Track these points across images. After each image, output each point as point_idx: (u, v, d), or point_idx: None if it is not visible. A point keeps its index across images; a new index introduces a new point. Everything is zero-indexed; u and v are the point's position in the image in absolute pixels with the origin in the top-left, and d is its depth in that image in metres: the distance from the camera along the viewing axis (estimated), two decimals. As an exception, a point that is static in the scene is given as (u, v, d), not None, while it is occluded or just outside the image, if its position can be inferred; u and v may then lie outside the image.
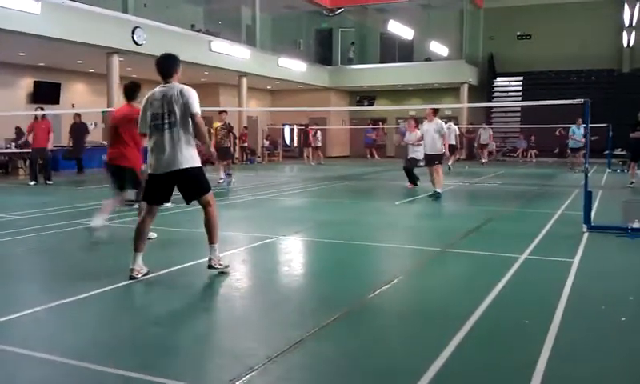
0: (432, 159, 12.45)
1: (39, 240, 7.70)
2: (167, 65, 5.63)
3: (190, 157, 5.36)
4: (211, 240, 5.62)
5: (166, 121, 5.32)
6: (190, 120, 5.33)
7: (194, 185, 5.52)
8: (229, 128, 16.14)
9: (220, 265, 5.65)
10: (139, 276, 5.40)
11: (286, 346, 3.77)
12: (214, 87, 28.64)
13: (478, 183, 16.47)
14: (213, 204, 5.63)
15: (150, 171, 5.50)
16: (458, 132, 21.51)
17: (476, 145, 27.77)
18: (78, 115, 18.89)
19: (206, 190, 5.58)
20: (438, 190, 12.21)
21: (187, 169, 5.36)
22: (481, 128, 27.15)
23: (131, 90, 7.35)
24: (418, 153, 13.28)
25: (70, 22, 17.39)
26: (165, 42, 20.54)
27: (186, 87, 5.43)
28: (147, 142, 5.55)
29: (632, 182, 14.37)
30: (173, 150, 5.31)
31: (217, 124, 15.62)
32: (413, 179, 13.74)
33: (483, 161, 25.80)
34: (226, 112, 15.90)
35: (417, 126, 13.60)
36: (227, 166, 15.79)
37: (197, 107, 5.35)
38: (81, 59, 21.00)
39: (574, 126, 20.05)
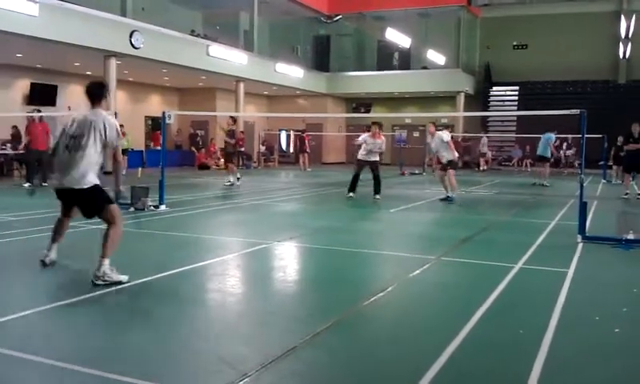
0: (444, 166, 13.23)
1: (33, 242, 7.66)
2: (94, 92, 5.83)
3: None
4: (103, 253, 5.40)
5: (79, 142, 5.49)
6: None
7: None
8: (230, 135, 17.14)
9: (104, 281, 5.28)
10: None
11: (280, 352, 3.75)
12: (212, 92, 28.67)
13: (473, 192, 16.50)
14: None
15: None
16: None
17: (477, 153, 28.42)
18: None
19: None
20: (451, 194, 12.99)
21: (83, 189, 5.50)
22: (484, 137, 27.50)
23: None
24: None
25: (68, 24, 17.38)
26: (162, 45, 20.60)
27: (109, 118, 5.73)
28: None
29: (627, 194, 14.37)
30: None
31: (224, 127, 17.20)
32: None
33: (483, 169, 26.04)
34: (234, 119, 17.46)
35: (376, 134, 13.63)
36: (231, 169, 16.91)
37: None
38: (78, 62, 20.99)
39: (547, 134, 18.51)
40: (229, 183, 16.30)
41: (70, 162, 5.45)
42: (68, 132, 5.58)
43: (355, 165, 14.01)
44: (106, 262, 5.34)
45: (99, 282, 5.27)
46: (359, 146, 13.79)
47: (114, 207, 5.61)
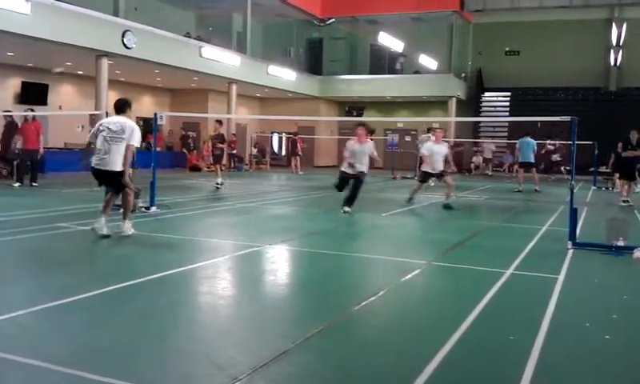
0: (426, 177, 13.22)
1: (22, 242, 7.62)
2: (120, 105, 8.19)
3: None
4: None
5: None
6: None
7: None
8: (221, 138, 17.18)
9: (127, 235, 7.90)
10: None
11: (271, 356, 3.74)
12: (204, 93, 28.61)
13: (464, 197, 16.54)
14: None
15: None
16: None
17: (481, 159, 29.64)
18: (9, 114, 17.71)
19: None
20: (445, 201, 12.83)
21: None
22: (485, 143, 27.88)
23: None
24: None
25: (60, 23, 17.31)
26: (155, 46, 20.55)
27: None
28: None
29: (626, 200, 14.32)
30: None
31: (211, 132, 17.19)
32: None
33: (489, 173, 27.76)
34: (220, 122, 17.35)
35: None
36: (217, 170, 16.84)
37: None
38: (70, 61, 20.89)
39: (525, 138, 18.25)
40: (218, 185, 16.18)
41: (109, 150, 7.70)
42: (111, 128, 7.77)
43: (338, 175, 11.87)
44: (127, 222, 7.99)
45: (124, 234, 7.84)
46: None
47: (128, 182, 7.96)
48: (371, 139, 12.57)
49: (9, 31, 15.81)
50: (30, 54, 19.46)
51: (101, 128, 7.86)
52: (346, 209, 11.17)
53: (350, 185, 11.35)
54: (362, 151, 11.25)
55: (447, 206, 12.64)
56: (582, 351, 4.16)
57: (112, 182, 7.89)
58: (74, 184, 15.30)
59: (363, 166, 11.31)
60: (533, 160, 18.26)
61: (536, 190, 17.82)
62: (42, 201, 12.11)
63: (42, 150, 15.96)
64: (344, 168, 11.53)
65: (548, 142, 24.91)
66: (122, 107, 8.11)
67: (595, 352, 4.16)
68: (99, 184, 8.22)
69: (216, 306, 5.15)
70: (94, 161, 7.84)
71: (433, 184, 14.82)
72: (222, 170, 17.08)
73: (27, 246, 7.47)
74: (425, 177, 13.16)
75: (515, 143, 19.86)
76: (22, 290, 5.43)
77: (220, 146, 17.10)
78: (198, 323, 4.68)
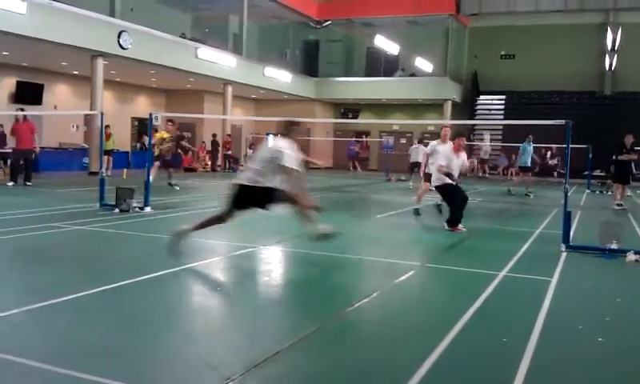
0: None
1: (15, 241, 7.59)
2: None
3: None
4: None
5: None
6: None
7: None
8: (177, 139, 16.22)
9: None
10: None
11: (263, 357, 3.74)
12: (199, 94, 28.59)
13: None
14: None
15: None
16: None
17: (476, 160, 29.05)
18: None
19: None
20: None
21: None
22: (481, 143, 27.86)
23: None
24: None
25: (56, 23, 17.28)
26: (151, 47, 20.52)
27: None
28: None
29: (620, 204, 14.36)
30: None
31: (164, 134, 15.44)
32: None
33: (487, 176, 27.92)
34: (173, 122, 16.00)
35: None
36: (168, 173, 15.74)
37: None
38: (65, 61, 20.86)
39: (525, 143, 18.11)
40: (172, 185, 15.37)
41: None
42: None
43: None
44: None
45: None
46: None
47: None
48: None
49: (4, 31, 15.80)
50: (26, 53, 19.43)
51: None
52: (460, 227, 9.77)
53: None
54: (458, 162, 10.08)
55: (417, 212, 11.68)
56: (574, 353, 4.16)
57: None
58: (68, 184, 15.27)
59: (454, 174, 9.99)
60: (529, 164, 18.32)
61: (527, 194, 17.73)
62: (35, 200, 12.06)
63: (37, 149, 15.98)
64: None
65: (544, 146, 24.97)
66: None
67: (588, 354, 4.17)
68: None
69: (209, 306, 5.15)
70: None
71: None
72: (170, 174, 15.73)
73: (20, 246, 7.44)
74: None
75: (510, 146, 19.86)
76: (14, 289, 5.41)
77: (171, 142, 15.42)
78: (191, 323, 4.67)
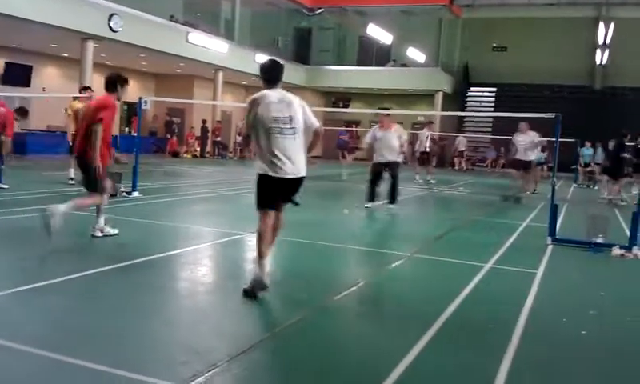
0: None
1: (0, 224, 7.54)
2: (278, 70, 5.52)
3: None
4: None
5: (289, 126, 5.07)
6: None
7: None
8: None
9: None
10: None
11: (249, 344, 3.74)
12: (189, 79, 28.41)
13: (446, 191, 16.61)
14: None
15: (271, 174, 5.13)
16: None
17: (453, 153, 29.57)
18: None
19: None
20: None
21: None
22: (460, 136, 27.99)
23: (114, 82, 6.95)
24: None
25: (46, 4, 17.08)
26: (142, 30, 20.34)
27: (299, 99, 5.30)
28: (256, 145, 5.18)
29: (621, 199, 14.41)
30: (299, 156, 5.18)
31: (78, 104, 11.79)
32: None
33: (464, 168, 28.02)
34: (90, 89, 12.33)
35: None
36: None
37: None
38: (55, 43, 20.64)
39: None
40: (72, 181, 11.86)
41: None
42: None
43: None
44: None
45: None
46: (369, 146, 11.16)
47: None
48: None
49: (-7, 11, 15.59)
50: (15, 34, 19.20)
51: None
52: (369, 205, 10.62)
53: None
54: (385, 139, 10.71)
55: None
56: (558, 346, 4.19)
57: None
58: (55, 167, 15.14)
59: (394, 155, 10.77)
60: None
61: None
62: (19, 182, 11.96)
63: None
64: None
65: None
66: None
67: (571, 347, 4.20)
68: None
69: (196, 292, 5.14)
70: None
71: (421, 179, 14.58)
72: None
73: (3, 228, 7.39)
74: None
75: (499, 138, 19.81)
76: (2, 271, 5.38)
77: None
78: (177, 309, 4.66)
